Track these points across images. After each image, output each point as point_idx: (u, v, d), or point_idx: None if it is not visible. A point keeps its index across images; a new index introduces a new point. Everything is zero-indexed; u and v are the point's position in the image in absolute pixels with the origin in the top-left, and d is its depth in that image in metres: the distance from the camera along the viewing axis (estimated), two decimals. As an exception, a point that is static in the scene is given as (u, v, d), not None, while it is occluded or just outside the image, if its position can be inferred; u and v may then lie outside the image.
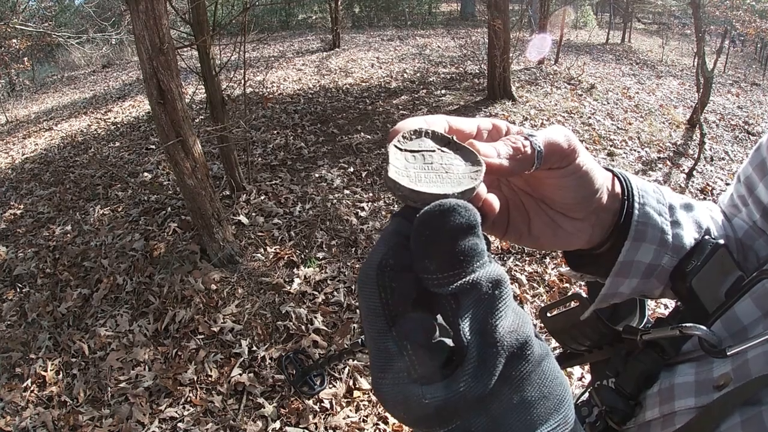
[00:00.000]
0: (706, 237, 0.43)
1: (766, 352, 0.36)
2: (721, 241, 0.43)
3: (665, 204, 0.42)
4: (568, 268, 0.46)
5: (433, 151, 0.28)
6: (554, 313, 0.59)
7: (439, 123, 0.31)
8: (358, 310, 2.79)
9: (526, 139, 0.31)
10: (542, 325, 0.59)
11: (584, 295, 0.54)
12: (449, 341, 0.24)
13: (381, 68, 8.13)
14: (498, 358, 0.22)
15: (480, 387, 0.22)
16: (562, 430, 0.24)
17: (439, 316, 0.25)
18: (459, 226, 0.23)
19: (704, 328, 0.39)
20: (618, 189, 0.40)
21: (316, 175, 4.23)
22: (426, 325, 0.23)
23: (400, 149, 0.27)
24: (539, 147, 0.32)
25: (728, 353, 0.37)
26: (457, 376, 0.22)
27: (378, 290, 0.23)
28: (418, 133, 0.28)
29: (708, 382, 0.39)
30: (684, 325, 0.40)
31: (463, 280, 0.23)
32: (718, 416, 0.34)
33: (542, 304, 2.83)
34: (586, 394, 0.50)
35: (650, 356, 0.45)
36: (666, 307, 2.58)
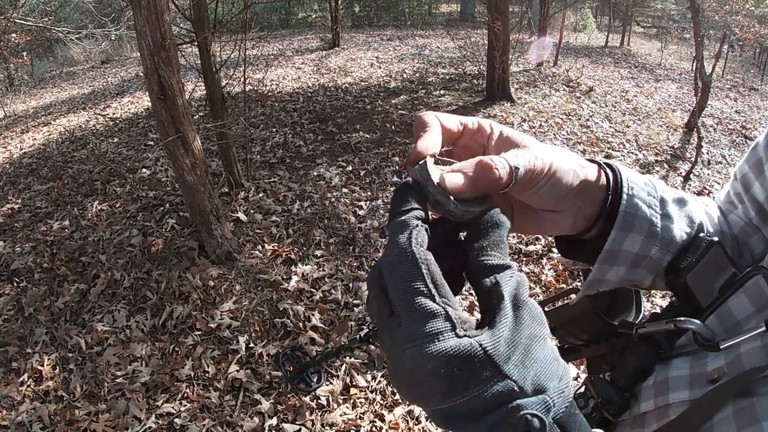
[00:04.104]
0: (701, 234, 0.43)
1: (758, 346, 0.37)
2: (716, 238, 0.43)
3: (656, 197, 0.42)
4: (559, 255, 0.47)
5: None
6: (551, 307, 0.59)
7: (431, 120, 0.37)
8: (355, 308, 2.79)
9: (509, 170, 0.34)
10: None
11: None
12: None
13: (380, 68, 8.13)
14: (526, 314, 0.28)
15: (516, 334, 0.27)
16: (570, 391, 0.27)
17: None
18: (504, 224, 0.32)
19: (698, 322, 0.40)
20: (603, 180, 0.41)
21: (315, 174, 4.24)
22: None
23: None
24: (517, 175, 0.34)
25: (722, 347, 0.37)
26: (497, 323, 0.27)
27: (418, 261, 0.28)
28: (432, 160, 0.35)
29: (702, 375, 0.40)
30: (678, 319, 0.41)
31: (503, 260, 0.30)
32: (711, 408, 0.35)
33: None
34: (582, 387, 0.51)
35: (645, 350, 0.46)
36: (662, 308, 2.59)
